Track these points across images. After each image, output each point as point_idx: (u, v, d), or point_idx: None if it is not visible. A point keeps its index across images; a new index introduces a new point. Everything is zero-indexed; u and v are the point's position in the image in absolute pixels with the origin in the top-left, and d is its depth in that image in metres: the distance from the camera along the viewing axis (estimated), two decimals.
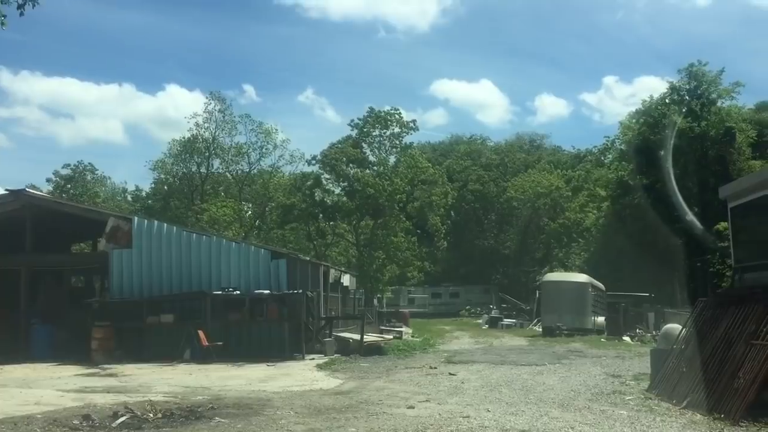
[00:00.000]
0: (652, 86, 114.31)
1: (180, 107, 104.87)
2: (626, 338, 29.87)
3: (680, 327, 14.24)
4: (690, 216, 23.73)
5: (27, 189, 27.51)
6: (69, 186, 67.14)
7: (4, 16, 9.59)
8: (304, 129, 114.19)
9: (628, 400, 12.43)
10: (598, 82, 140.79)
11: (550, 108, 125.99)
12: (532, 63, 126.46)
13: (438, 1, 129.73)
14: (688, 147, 41.40)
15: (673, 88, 45.47)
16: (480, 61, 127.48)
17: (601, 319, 35.21)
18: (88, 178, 69.78)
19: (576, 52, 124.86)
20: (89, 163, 70.18)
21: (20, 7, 9.54)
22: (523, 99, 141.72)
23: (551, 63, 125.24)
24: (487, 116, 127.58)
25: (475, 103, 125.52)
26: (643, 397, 12.70)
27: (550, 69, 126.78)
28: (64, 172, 68.32)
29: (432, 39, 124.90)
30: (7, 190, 25.05)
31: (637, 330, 31.81)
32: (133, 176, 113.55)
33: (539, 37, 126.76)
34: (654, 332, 28.59)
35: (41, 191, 50.94)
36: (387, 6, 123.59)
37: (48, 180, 67.81)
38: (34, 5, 9.65)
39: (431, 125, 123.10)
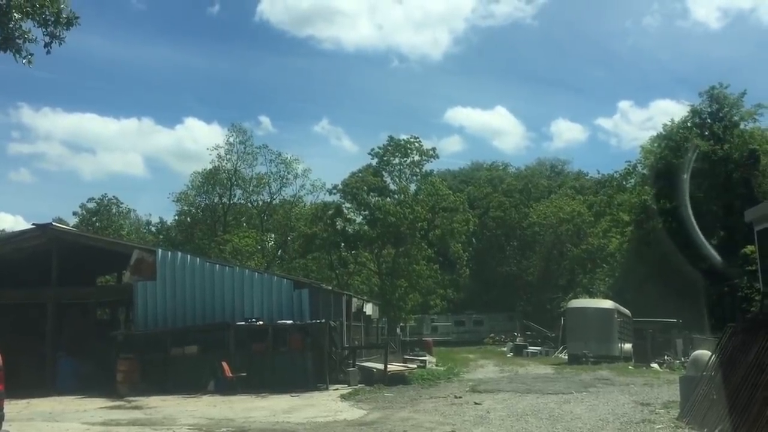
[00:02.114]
0: (668, 110, 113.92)
1: (198, 139, 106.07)
2: (654, 365, 29.35)
3: (710, 353, 13.97)
4: (709, 250, 23.08)
5: (53, 223, 27.89)
6: (95, 219, 68.04)
7: (32, 54, 9.86)
8: (321, 158, 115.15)
9: (658, 429, 12.18)
10: (613, 107, 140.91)
11: (566, 133, 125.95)
12: (546, 89, 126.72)
13: (450, 30, 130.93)
14: (712, 170, 41.03)
15: (694, 111, 45.23)
16: (493, 88, 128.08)
17: (628, 346, 34.67)
18: (113, 211, 70.67)
19: (589, 77, 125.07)
20: (114, 197, 71.23)
21: (47, 45, 9.82)
22: (539, 125, 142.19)
23: (565, 88, 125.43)
24: (503, 143, 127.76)
25: (491, 130, 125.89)
26: (673, 425, 12.44)
27: (565, 94, 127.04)
28: (90, 205, 69.34)
29: (445, 67, 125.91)
30: (33, 224, 25.40)
31: (666, 357, 31.24)
32: (155, 208, 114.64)
33: (551, 63, 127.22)
34: (683, 359, 28.08)
35: (68, 225, 51.73)
36: (400, 36, 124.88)
37: (75, 213, 68.90)
38: (60, 43, 9.91)
39: (447, 152, 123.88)
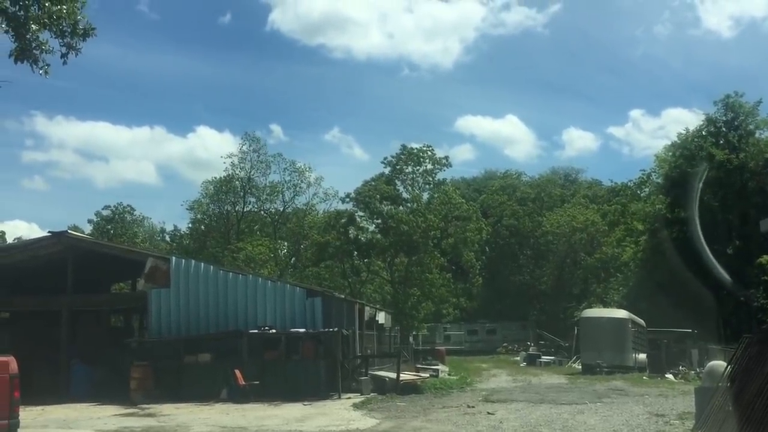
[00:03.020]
0: (681, 118, 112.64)
1: (210, 148, 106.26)
2: (669, 376, 29.11)
3: (725, 364, 13.84)
4: (718, 270, 22.76)
5: (69, 231, 28.11)
6: (109, 227, 68.50)
7: (48, 65, 9.95)
8: (332, 167, 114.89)
9: None
10: (625, 115, 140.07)
11: (577, 141, 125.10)
12: (557, 97, 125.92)
13: (460, 39, 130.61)
14: (728, 179, 40.75)
15: (709, 120, 44.97)
16: (504, 96, 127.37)
17: (642, 356, 34.41)
18: (128, 218, 71.13)
19: (601, 86, 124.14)
20: (128, 205, 71.70)
21: (63, 56, 9.90)
22: (550, 133, 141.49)
23: (576, 96, 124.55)
24: (514, 151, 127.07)
25: (501, 139, 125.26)
26: None
27: (576, 103, 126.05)
28: (105, 213, 69.86)
29: (456, 76, 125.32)
30: (49, 232, 25.62)
31: (681, 367, 30.99)
32: (168, 216, 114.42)
33: (562, 71, 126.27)
34: (698, 369, 27.83)
35: (83, 232, 52.10)
36: (410, 45, 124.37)
37: (89, 221, 69.44)
38: (77, 54, 10.01)
39: (458, 161, 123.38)
